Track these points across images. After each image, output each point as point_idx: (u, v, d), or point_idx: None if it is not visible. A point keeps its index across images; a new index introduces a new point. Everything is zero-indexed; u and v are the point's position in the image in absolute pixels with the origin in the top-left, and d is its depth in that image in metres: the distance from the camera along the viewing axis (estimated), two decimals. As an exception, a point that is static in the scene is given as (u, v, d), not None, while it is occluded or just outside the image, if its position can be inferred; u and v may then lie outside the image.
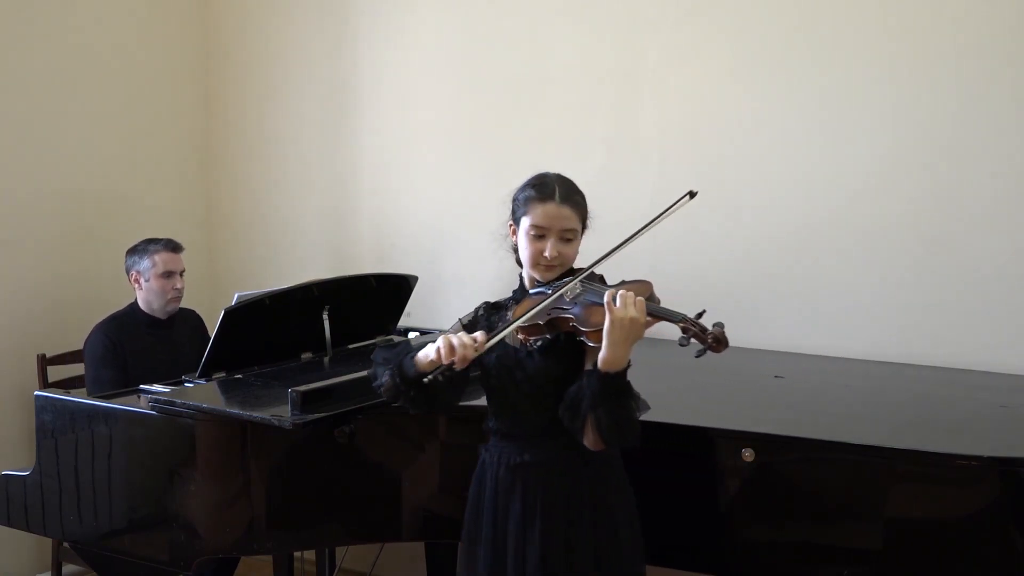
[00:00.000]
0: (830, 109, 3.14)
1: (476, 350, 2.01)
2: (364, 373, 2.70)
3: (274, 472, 2.60)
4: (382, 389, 2.17)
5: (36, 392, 2.89)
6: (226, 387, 2.86)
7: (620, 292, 1.98)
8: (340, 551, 3.60)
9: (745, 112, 3.27)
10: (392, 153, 3.95)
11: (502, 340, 2.09)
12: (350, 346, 3.37)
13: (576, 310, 2.06)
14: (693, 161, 3.35)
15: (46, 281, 3.79)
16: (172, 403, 2.60)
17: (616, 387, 2.00)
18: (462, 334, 2.03)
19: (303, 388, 2.47)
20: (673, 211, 2.10)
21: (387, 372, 2.14)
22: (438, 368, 2.02)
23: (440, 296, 3.82)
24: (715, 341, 1.93)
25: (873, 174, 3.10)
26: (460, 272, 3.80)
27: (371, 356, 2.26)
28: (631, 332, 1.96)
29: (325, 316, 3.19)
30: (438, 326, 3.73)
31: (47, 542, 3.62)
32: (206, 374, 2.96)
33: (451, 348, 2.00)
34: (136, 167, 4.09)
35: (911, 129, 3.04)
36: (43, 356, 3.65)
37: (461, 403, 2.65)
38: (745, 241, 3.27)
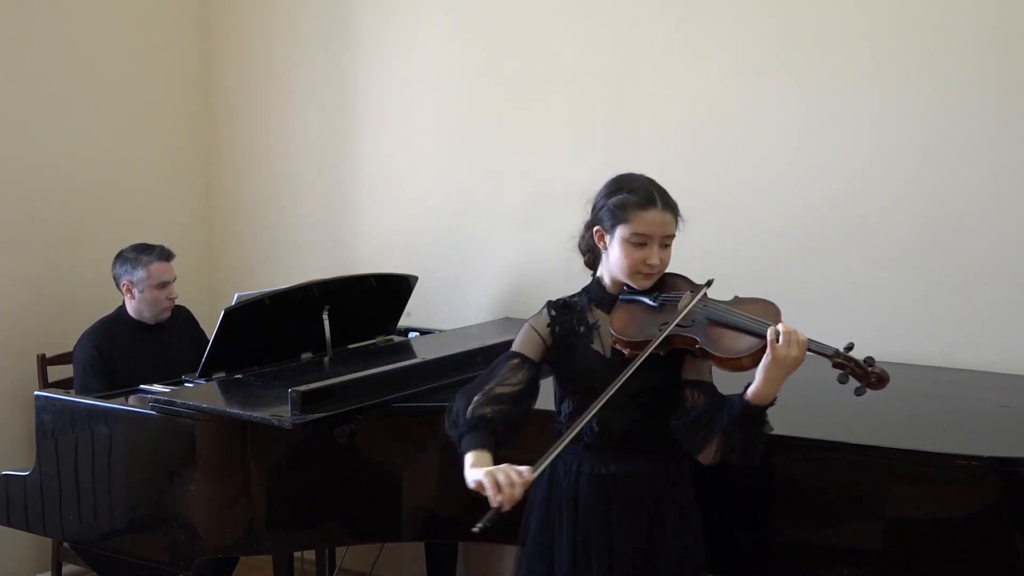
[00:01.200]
0: (830, 109, 3.14)
1: (523, 486, 1.88)
2: (364, 373, 2.72)
3: (274, 472, 2.60)
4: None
5: (36, 392, 2.89)
6: (226, 387, 2.86)
7: (783, 328, 1.92)
8: (340, 551, 3.60)
9: (744, 112, 3.27)
10: (392, 153, 3.95)
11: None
12: (350, 346, 3.38)
13: (696, 330, 2.00)
14: (692, 161, 3.35)
15: (46, 281, 3.79)
16: (172, 403, 2.60)
17: (760, 417, 1.98)
18: (507, 469, 1.87)
19: (303, 388, 2.46)
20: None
21: (455, 429, 2.07)
22: (490, 513, 1.86)
23: (440, 296, 3.82)
24: (878, 380, 1.92)
25: (872, 173, 3.10)
26: (460, 272, 3.80)
27: (457, 395, 2.15)
28: (792, 369, 1.93)
29: (325, 316, 3.19)
30: (438, 326, 3.74)
31: (47, 542, 3.62)
32: (206, 374, 2.97)
33: (498, 489, 1.86)
34: (136, 167, 4.09)
35: (911, 128, 3.04)
36: (43, 356, 3.65)
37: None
38: (744, 241, 3.27)
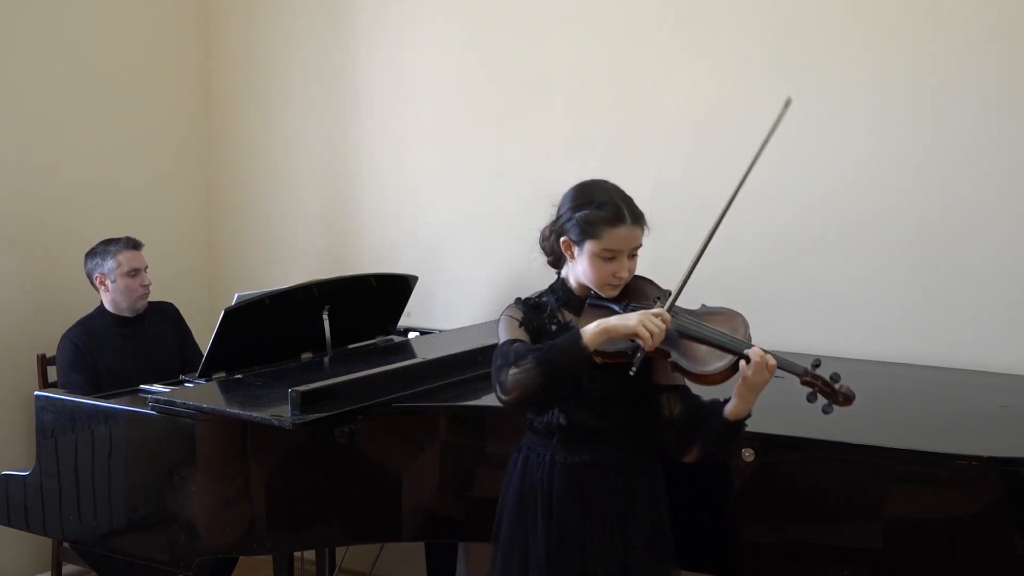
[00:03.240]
0: (829, 109, 3.14)
1: (663, 331, 1.97)
2: (364, 373, 2.72)
3: (274, 472, 2.60)
4: (526, 391, 2.00)
5: (36, 392, 2.89)
6: (226, 387, 2.86)
7: (756, 356, 1.96)
8: (340, 551, 3.60)
9: (744, 112, 3.27)
10: (392, 153, 3.95)
11: None
12: (350, 346, 3.38)
13: (671, 345, 2.02)
14: (692, 160, 3.35)
15: (46, 281, 3.79)
16: (172, 403, 2.60)
17: (738, 431, 2.07)
18: (641, 312, 1.97)
19: (303, 388, 2.46)
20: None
21: (529, 368, 1.98)
22: (640, 355, 1.96)
23: (440, 296, 3.82)
24: (844, 399, 1.97)
25: (872, 174, 3.10)
26: (460, 272, 3.80)
27: (493, 355, 2.11)
28: (762, 388, 2.01)
29: (325, 316, 3.19)
30: (438, 326, 3.74)
31: (47, 542, 3.62)
32: (206, 374, 2.97)
33: (644, 329, 1.94)
34: (136, 167, 4.09)
35: (910, 128, 3.04)
36: (43, 356, 3.65)
37: (461, 402, 2.66)
38: (744, 240, 3.27)
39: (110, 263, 3.36)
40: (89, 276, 3.42)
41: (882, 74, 3.06)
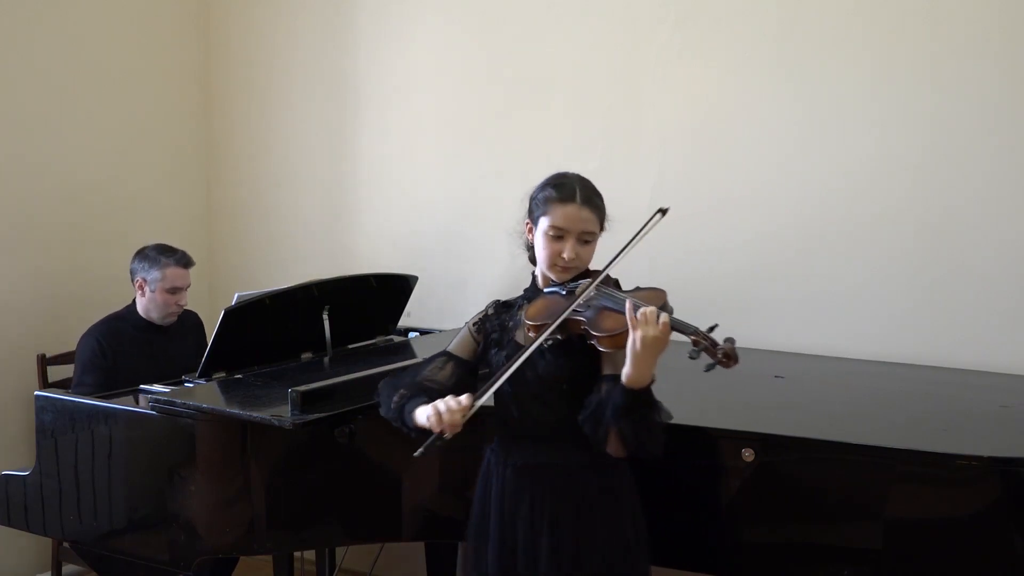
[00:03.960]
0: (830, 109, 3.14)
1: (463, 414, 2.00)
2: (364, 373, 2.72)
3: (274, 472, 2.60)
4: (385, 410, 2.23)
5: (36, 392, 2.88)
6: (226, 387, 2.86)
7: (642, 309, 1.93)
8: (340, 551, 3.60)
9: (744, 112, 3.27)
10: (392, 152, 3.95)
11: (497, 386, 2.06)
12: (350, 346, 3.38)
13: (588, 314, 2.04)
14: (692, 160, 3.35)
15: (46, 281, 3.79)
16: (172, 403, 2.60)
17: (641, 401, 1.99)
18: (449, 399, 2.02)
19: (303, 388, 2.47)
20: (647, 231, 2.10)
21: (391, 412, 2.18)
22: (432, 438, 2.02)
23: (440, 296, 3.82)
24: (725, 356, 1.90)
25: (872, 174, 3.10)
26: (460, 272, 3.80)
27: (378, 385, 2.28)
28: (655, 349, 1.93)
29: (325, 316, 3.19)
30: (438, 326, 3.74)
31: (47, 542, 3.62)
32: (206, 374, 2.97)
33: (439, 418, 2.00)
34: (136, 166, 4.09)
35: (910, 129, 3.04)
36: (43, 356, 3.65)
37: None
38: (744, 240, 3.27)
39: (156, 273, 3.32)
40: (132, 274, 3.38)
41: (882, 74, 3.07)
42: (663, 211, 2.12)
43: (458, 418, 1.99)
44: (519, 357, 2.05)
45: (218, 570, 3.30)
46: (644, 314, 1.92)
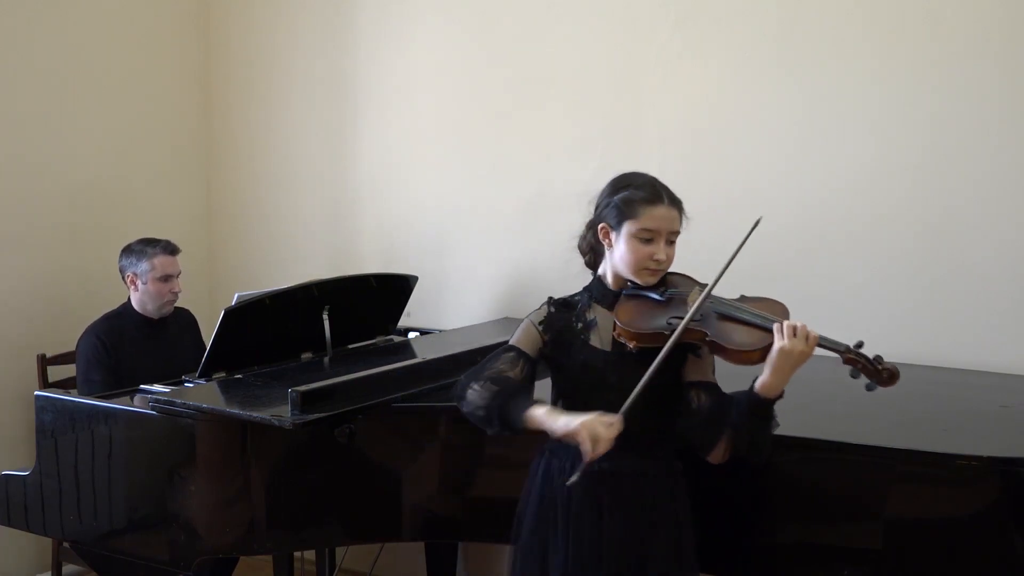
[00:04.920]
0: (830, 109, 3.14)
1: (613, 437, 1.94)
2: (364, 373, 2.72)
3: (274, 472, 2.60)
4: (472, 416, 2.16)
5: (36, 392, 2.89)
6: (226, 387, 2.86)
7: (788, 323, 1.96)
8: (340, 551, 3.60)
9: (744, 112, 3.27)
10: (393, 152, 3.95)
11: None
12: (350, 346, 3.38)
13: (708, 326, 2.01)
14: (692, 160, 3.35)
15: (46, 281, 3.79)
16: (172, 403, 2.60)
17: (768, 412, 2.00)
18: (596, 419, 1.94)
19: (303, 388, 2.46)
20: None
21: (485, 411, 2.11)
22: (584, 464, 1.94)
23: (440, 296, 3.82)
24: (889, 377, 1.96)
25: (873, 174, 3.10)
26: (460, 272, 3.80)
27: (456, 382, 2.22)
28: (799, 363, 1.95)
29: (325, 316, 3.19)
30: (438, 326, 3.74)
31: (47, 542, 3.62)
32: (206, 374, 2.97)
33: (594, 443, 1.92)
34: (136, 166, 4.09)
35: (911, 128, 3.04)
36: (43, 356, 3.65)
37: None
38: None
39: (144, 265, 3.34)
40: (121, 272, 3.40)
41: (882, 74, 3.06)
42: (758, 221, 2.14)
43: (610, 443, 1.94)
44: (653, 365, 1.98)
45: (218, 570, 3.30)
46: (793, 328, 1.95)
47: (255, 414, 2.48)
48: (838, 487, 2.23)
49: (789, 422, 2.35)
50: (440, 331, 3.65)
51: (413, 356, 3.14)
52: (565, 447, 2.10)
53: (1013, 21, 2.89)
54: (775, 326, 1.96)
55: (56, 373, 3.64)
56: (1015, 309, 2.92)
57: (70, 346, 3.63)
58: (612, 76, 3.48)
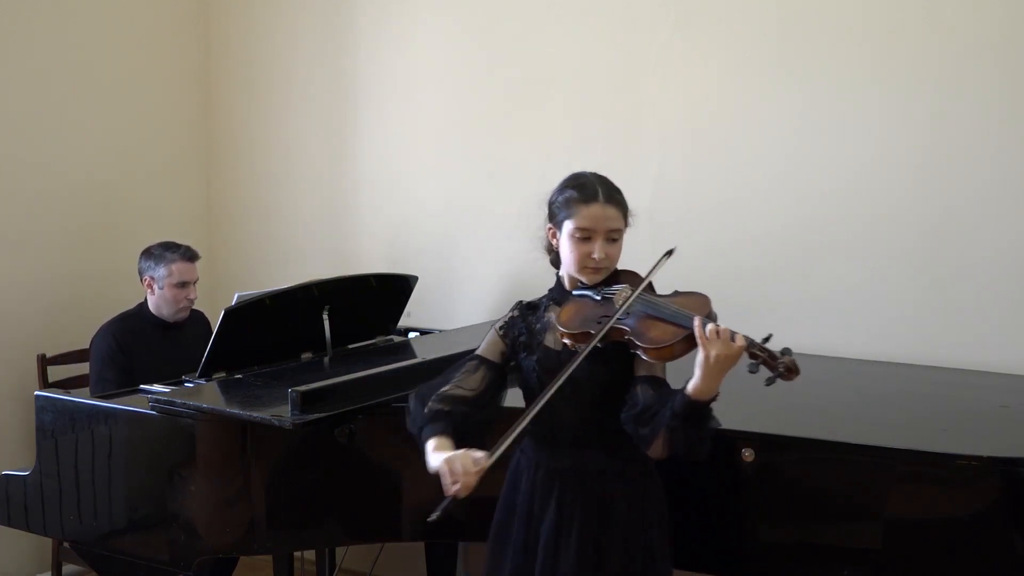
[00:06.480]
0: (830, 109, 3.14)
1: (478, 475, 1.94)
2: (364, 373, 2.72)
3: (274, 472, 2.60)
4: (408, 419, 2.21)
5: (36, 392, 2.89)
6: (226, 387, 2.86)
7: (711, 326, 1.90)
8: (340, 551, 3.60)
9: (744, 112, 3.27)
10: (393, 152, 3.95)
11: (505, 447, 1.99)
12: (350, 346, 3.38)
13: (631, 322, 2.01)
14: (692, 160, 3.35)
15: (46, 281, 3.79)
16: (172, 403, 2.60)
17: (701, 414, 1.96)
18: (462, 457, 1.95)
19: (303, 388, 2.46)
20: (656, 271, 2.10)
21: (414, 431, 2.16)
22: (445, 502, 1.94)
23: (441, 296, 3.82)
24: (786, 370, 1.88)
25: (873, 174, 3.10)
26: (460, 272, 3.80)
27: (411, 394, 2.23)
28: (726, 366, 1.90)
29: (325, 316, 3.19)
30: (438, 326, 3.74)
31: (47, 542, 3.62)
32: (206, 374, 2.97)
33: (453, 478, 1.93)
34: (137, 166, 4.09)
35: (911, 128, 3.04)
36: (43, 356, 3.65)
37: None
38: (744, 240, 3.27)
39: (162, 270, 3.34)
40: (140, 274, 3.40)
41: (882, 74, 3.07)
42: (669, 252, 2.12)
43: (472, 480, 1.92)
44: (554, 384, 2.00)
45: (218, 570, 3.30)
46: (715, 331, 1.90)
47: (255, 414, 2.48)
48: (838, 487, 2.23)
49: (789, 422, 2.35)
50: (440, 331, 3.65)
51: (413, 356, 3.14)
52: (535, 447, 2.17)
53: (1013, 21, 2.89)
54: (696, 328, 1.92)
55: (56, 373, 3.64)
56: (1015, 309, 2.92)
57: (70, 346, 3.64)
58: (612, 76, 3.48)
